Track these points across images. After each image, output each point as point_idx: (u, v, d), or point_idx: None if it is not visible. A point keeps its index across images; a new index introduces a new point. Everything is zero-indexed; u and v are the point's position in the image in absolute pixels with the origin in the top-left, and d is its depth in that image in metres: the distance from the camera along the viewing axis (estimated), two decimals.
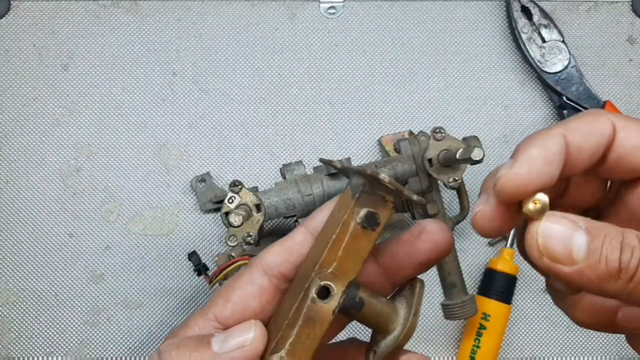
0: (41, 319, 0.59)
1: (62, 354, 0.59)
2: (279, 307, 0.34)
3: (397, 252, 0.33)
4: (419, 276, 0.34)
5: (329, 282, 0.31)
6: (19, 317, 0.59)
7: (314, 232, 0.34)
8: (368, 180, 0.31)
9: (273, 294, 0.34)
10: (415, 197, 0.30)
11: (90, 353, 0.59)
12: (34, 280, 0.59)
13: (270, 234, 0.60)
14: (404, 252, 0.33)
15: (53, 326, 0.59)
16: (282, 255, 0.34)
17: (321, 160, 0.36)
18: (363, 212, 0.31)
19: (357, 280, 0.32)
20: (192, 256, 0.58)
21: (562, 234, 0.27)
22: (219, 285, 0.51)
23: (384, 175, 0.29)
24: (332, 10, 0.63)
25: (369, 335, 0.34)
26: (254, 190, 0.55)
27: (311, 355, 0.32)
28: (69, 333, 0.59)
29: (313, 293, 0.31)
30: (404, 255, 0.33)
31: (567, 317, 0.34)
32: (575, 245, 0.27)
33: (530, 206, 0.28)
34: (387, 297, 0.34)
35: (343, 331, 0.36)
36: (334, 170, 0.35)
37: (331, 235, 0.32)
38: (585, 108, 0.60)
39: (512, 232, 0.59)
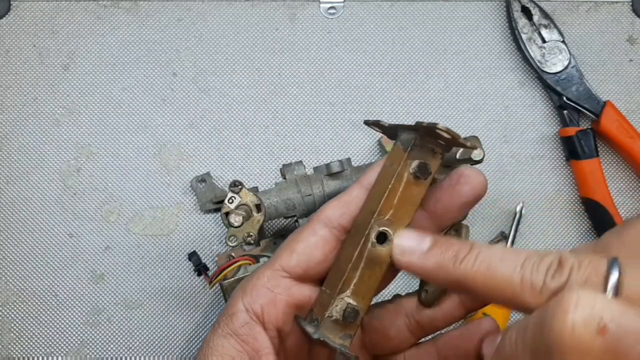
0: (41, 319, 0.59)
1: (62, 354, 0.59)
2: (340, 254, 0.37)
3: (441, 197, 0.37)
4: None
5: (386, 228, 0.35)
6: (19, 317, 0.59)
7: (369, 186, 0.37)
8: (420, 134, 0.35)
9: (334, 244, 0.38)
10: (468, 144, 0.33)
11: (91, 353, 0.59)
12: (34, 280, 0.59)
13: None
14: (447, 196, 0.37)
15: (53, 326, 0.59)
16: (341, 208, 0.38)
17: (366, 122, 0.39)
18: (415, 163, 0.35)
19: (410, 227, 0.35)
20: (192, 256, 0.58)
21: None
22: (219, 286, 0.51)
23: (441, 125, 0.33)
24: (332, 11, 0.63)
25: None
26: (254, 190, 0.55)
27: (372, 294, 0.36)
28: (69, 333, 0.59)
29: (373, 238, 0.35)
30: (448, 199, 0.37)
31: None
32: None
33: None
34: None
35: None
36: (377, 130, 0.39)
37: (387, 186, 0.35)
38: (586, 108, 0.60)
39: (512, 231, 0.59)
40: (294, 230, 0.40)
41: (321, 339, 0.36)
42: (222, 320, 0.39)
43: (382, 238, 0.35)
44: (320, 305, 0.37)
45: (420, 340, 0.40)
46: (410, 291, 0.41)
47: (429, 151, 0.35)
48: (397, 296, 0.41)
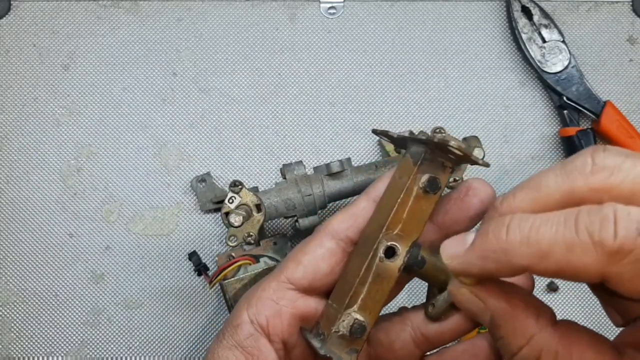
0: (41, 319, 0.59)
1: (62, 354, 0.59)
2: (347, 267, 0.37)
3: (450, 209, 0.37)
4: None
5: (394, 243, 0.35)
6: (19, 317, 0.59)
7: (376, 199, 0.37)
8: (431, 148, 0.34)
9: (341, 256, 0.37)
10: (480, 162, 0.33)
11: (91, 353, 0.59)
12: (34, 280, 0.59)
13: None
14: (456, 209, 0.37)
15: (53, 326, 0.59)
16: (348, 220, 0.37)
17: (374, 131, 0.39)
18: (425, 177, 0.35)
19: (419, 241, 0.35)
20: (192, 256, 0.58)
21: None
22: (219, 286, 0.51)
23: (453, 142, 0.32)
24: (332, 10, 0.63)
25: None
26: (254, 190, 0.55)
27: (379, 309, 0.35)
28: (69, 333, 0.59)
29: (381, 253, 0.34)
30: (456, 211, 0.37)
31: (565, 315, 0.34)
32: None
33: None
34: None
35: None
36: (385, 140, 0.38)
37: (396, 200, 0.35)
38: (586, 108, 0.60)
39: None
40: (301, 242, 0.40)
41: (328, 354, 0.35)
42: (226, 332, 0.38)
43: (391, 253, 0.35)
44: (326, 319, 0.36)
45: (426, 354, 0.40)
46: (417, 304, 0.41)
47: (439, 165, 0.35)
48: (403, 309, 0.40)
